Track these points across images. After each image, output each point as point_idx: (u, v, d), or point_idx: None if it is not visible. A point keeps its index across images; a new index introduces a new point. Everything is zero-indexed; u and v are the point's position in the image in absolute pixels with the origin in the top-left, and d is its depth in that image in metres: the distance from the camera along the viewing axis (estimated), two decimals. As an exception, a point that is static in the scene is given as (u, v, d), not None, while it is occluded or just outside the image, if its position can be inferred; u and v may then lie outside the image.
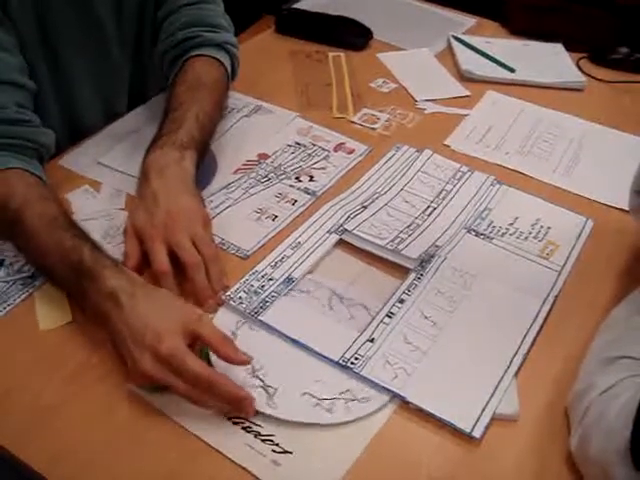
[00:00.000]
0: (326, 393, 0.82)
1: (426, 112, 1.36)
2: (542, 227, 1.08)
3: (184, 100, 1.12)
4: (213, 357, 0.83)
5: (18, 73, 1.03)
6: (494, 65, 1.51)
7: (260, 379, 0.83)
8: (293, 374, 0.85)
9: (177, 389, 0.78)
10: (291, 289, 0.95)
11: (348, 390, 0.83)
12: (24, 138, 1.01)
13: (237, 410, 0.79)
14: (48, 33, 1.09)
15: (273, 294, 0.93)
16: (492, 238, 1.05)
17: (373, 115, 1.33)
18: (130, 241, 0.95)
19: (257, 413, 0.80)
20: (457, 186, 1.15)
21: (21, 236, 0.93)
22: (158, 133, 1.08)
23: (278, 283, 0.95)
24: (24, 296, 0.92)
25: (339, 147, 1.23)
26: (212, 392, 0.78)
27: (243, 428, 0.79)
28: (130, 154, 1.14)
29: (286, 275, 0.96)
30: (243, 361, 0.81)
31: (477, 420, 0.80)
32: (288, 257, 0.99)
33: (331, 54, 1.52)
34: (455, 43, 1.57)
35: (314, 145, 1.23)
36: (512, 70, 1.49)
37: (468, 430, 0.79)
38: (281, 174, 1.15)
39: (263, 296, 0.93)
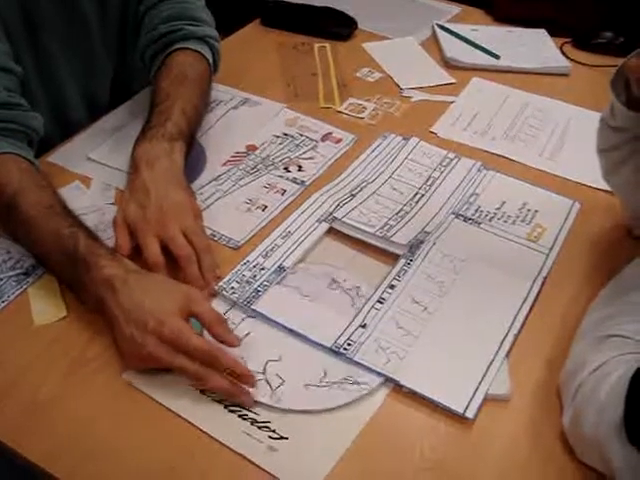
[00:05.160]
0: (326, 379, 0.84)
1: (412, 100, 1.36)
2: (529, 211, 1.09)
3: (170, 93, 1.12)
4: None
5: (6, 58, 1.04)
6: (479, 52, 1.51)
7: (261, 372, 0.84)
8: (293, 364, 0.85)
9: (184, 368, 0.80)
10: (282, 278, 0.96)
11: (349, 375, 0.84)
12: (15, 122, 1.01)
13: (239, 389, 0.81)
14: (33, 26, 1.10)
15: (265, 283, 0.94)
16: (480, 223, 1.06)
17: (359, 104, 1.34)
18: (121, 233, 0.95)
19: (257, 403, 0.81)
20: (444, 173, 1.16)
21: (16, 222, 0.94)
22: (146, 125, 1.08)
23: (270, 272, 0.96)
24: (18, 292, 0.93)
25: (326, 137, 1.24)
26: (217, 367, 0.80)
27: (239, 416, 0.80)
28: (119, 149, 1.15)
29: (277, 264, 0.97)
30: (233, 342, 0.83)
31: (470, 401, 0.81)
32: (279, 246, 1.00)
33: (317, 45, 1.53)
34: (440, 31, 1.58)
35: (302, 135, 1.24)
36: (497, 57, 1.50)
37: (461, 411, 0.80)
38: (270, 165, 1.16)
39: (255, 285, 0.94)
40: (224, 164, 1.16)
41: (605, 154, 1.00)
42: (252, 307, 0.91)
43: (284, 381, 0.83)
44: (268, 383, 0.83)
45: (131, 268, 0.88)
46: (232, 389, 0.81)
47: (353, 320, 0.90)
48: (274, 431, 0.79)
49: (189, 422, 0.79)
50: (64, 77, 1.19)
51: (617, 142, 0.95)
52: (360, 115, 1.31)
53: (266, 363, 0.85)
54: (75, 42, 1.18)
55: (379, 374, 0.84)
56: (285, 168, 1.16)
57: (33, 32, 1.10)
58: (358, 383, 0.83)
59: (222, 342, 0.83)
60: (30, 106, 1.06)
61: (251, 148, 1.20)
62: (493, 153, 1.23)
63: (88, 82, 1.24)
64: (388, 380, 0.84)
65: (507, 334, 0.89)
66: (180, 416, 0.80)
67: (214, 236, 1.02)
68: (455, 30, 1.58)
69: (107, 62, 1.27)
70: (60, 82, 1.19)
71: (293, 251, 0.99)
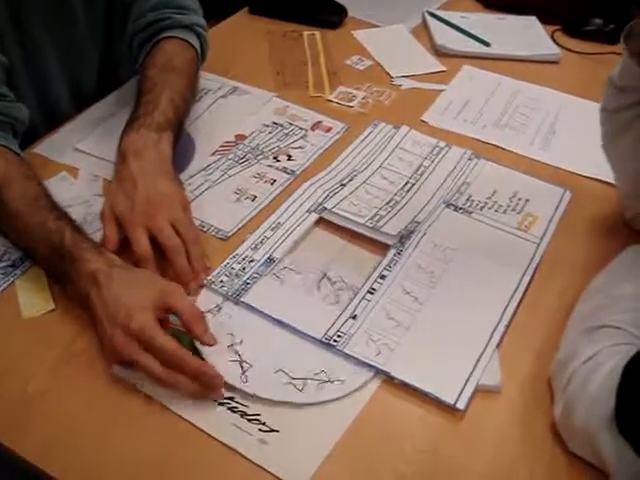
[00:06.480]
0: (299, 372, 0.83)
1: (402, 88, 1.36)
2: (520, 199, 1.09)
3: (157, 82, 1.11)
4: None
5: None
6: (469, 40, 1.51)
7: (238, 354, 0.84)
8: (270, 351, 0.85)
9: (145, 366, 0.79)
10: (272, 269, 0.95)
11: (323, 371, 0.83)
12: (0, 113, 1.01)
13: (205, 389, 0.80)
14: (19, 15, 1.09)
15: (254, 275, 0.94)
16: (471, 212, 1.06)
17: (349, 93, 1.33)
18: (109, 225, 0.94)
19: (233, 389, 0.81)
20: (435, 161, 1.15)
21: (1, 215, 0.93)
22: (133, 115, 1.07)
23: (259, 264, 0.95)
24: (5, 285, 0.92)
25: (316, 126, 1.23)
26: (181, 368, 0.79)
27: (229, 408, 0.79)
28: (107, 139, 1.13)
29: (267, 256, 0.96)
30: (208, 341, 0.82)
31: (461, 392, 0.81)
32: (268, 238, 0.99)
33: (306, 33, 1.52)
34: (430, 18, 1.57)
35: (291, 124, 1.23)
36: (487, 44, 1.49)
37: (452, 402, 0.80)
38: (259, 154, 1.15)
39: (244, 278, 0.93)
40: (213, 154, 1.15)
41: (609, 116, 0.98)
42: (242, 300, 0.90)
43: (276, 376, 0.82)
44: (242, 366, 0.83)
45: (115, 262, 0.87)
46: (196, 391, 0.80)
47: (343, 311, 0.89)
48: (264, 424, 0.78)
49: (178, 415, 0.79)
50: (50, 67, 1.18)
51: (623, 104, 0.94)
52: (350, 104, 1.30)
53: (257, 358, 0.84)
54: (61, 32, 1.16)
55: (370, 366, 0.83)
56: (275, 158, 1.15)
57: (19, 22, 1.09)
58: (348, 375, 0.83)
59: (198, 340, 0.82)
60: (16, 96, 1.05)
61: (240, 137, 1.19)
62: (484, 142, 1.22)
63: (74, 71, 1.23)
64: (379, 372, 0.83)
65: (498, 324, 0.89)
66: (169, 409, 0.79)
67: (203, 227, 1.01)
68: (445, 17, 1.57)
69: (93, 51, 1.25)
70: (46, 72, 1.18)
71: (283, 242, 0.98)
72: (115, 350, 0.80)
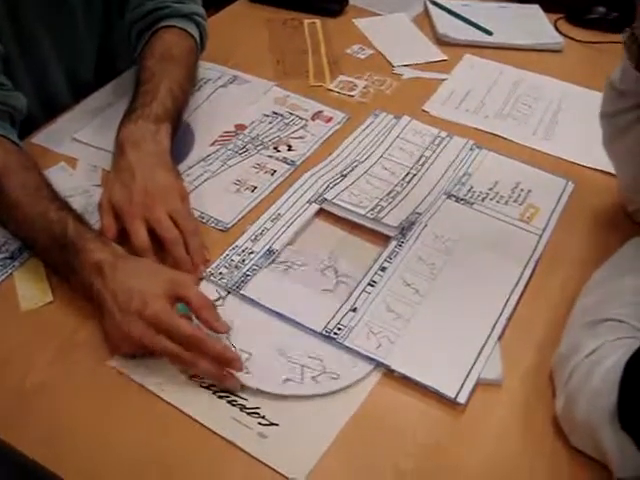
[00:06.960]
0: (299, 365, 0.82)
1: (403, 78, 1.35)
2: (522, 190, 1.08)
3: (155, 72, 1.10)
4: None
5: None
6: (471, 28, 1.50)
7: (236, 346, 0.84)
8: (269, 344, 0.85)
9: (167, 350, 0.79)
10: (272, 261, 0.94)
11: (323, 364, 0.83)
12: None
13: (223, 373, 0.79)
14: (15, 9, 1.08)
15: (254, 267, 0.93)
16: (472, 203, 1.05)
17: (350, 82, 1.32)
18: (107, 216, 0.94)
19: (245, 389, 0.80)
20: (436, 152, 1.15)
21: (1, 205, 0.93)
22: (131, 106, 1.06)
23: (259, 256, 0.95)
24: (4, 277, 0.91)
25: (317, 115, 1.22)
26: (201, 350, 0.78)
27: (228, 402, 0.79)
28: (105, 129, 1.12)
29: (267, 247, 0.96)
30: (221, 329, 0.82)
31: (461, 386, 0.80)
32: (268, 229, 0.98)
33: (306, 21, 1.51)
34: (432, 7, 1.56)
35: (291, 114, 1.22)
36: (489, 33, 1.48)
37: (453, 396, 0.80)
38: (259, 144, 1.14)
39: (244, 270, 0.92)
40: (212, 144, 1.14)
41: (609, 119, 0.98)
42: (241, 292, 0.90)
43: (275, 369, 0.82)
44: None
45: (119, 252, 0.87)
46: (218, 373, 0.79)
47: (343, 304, 0.89)
48: (264, 417, 0.78)
49: (178, 409, 0.78)
50: (48, 57, 1.17)
51: (623, 107, 0.94)
52: (351, 93, 1.29)
53: (256, 351, 0.84)
54: (58, 23, 1.15)
55: (370, 359, 0.83)
56: (275, 148, 1.14)
57: (16, 15, 1.08)
58: (348, 368, 0.82)
59: (210, 328, 0.82)
60: (13, 86, 1.04)
61: (240, 127, 1.18)
62: (486, 132, 1.21)
63: (72, 61, 1.22)
64: (379, 365, 0.83)
65: (499, 317, 0.88)
66: (169, 403, 0.79)
67: (202, 218, 1.00)
68: (447, 6, 1.56)
69: (91, 41, 1.24)
70: (44, 62, 1.17)
71: (283, 233, 0.98)
72: (131, 338, 0.79)
